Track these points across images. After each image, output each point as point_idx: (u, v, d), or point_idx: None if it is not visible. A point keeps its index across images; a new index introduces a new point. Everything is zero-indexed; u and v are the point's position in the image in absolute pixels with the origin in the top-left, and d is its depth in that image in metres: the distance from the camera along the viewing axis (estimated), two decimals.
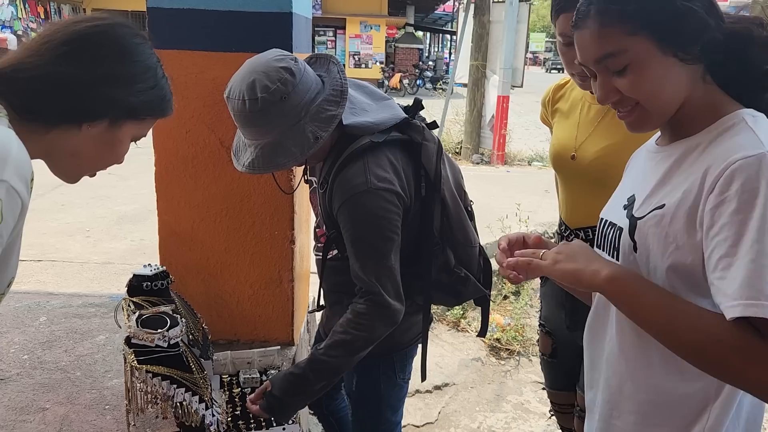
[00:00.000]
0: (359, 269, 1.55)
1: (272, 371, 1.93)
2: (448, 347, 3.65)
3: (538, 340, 2.04)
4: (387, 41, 24.71)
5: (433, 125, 1.72)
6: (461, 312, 3.90)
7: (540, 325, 1.99)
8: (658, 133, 1.08)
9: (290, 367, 1.71)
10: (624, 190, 1.11)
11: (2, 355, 2.21)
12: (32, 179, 0.85)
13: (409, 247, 1.65)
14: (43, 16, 19.38)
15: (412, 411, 3.02)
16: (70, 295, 2.75)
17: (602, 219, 1.14)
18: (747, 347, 0.81)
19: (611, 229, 1.08)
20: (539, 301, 2.03)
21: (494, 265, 1.52)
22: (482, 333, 1.99)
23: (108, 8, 21.46)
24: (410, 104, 1.71)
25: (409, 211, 1.60)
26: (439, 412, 3.06)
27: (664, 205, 0.95)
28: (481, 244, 1.84)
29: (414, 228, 1.64)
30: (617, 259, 1.05)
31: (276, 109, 1.43)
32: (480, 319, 1.98)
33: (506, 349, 3.62)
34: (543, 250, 1.00)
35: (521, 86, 9.02)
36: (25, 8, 18.52)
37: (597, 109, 1.65)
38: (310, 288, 2.46)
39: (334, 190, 1.55)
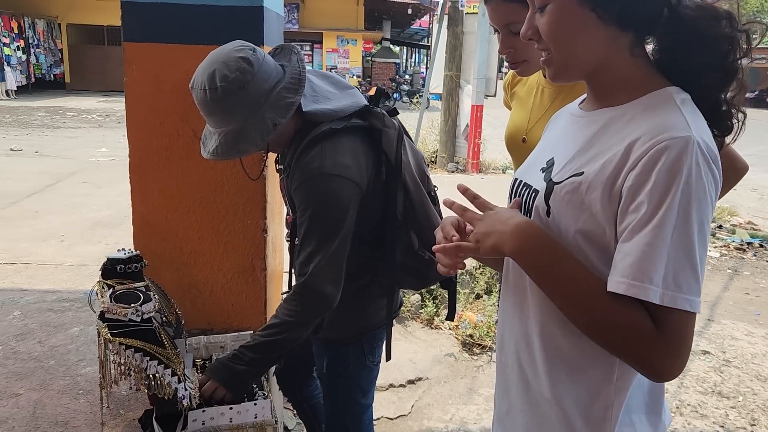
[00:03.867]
0: (301, 251, 1.61)
1: None
2: (422, 344, 3.71)
3: (496, 321, 2.11)
4: (364, 55, 24.92)
5: (394, 112, 1.80)
6: (435, 309, 3.97)
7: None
8: (583, 96, 1.09)
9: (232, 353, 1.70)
10: (543, 152, 1.10)
11: None
12: None
13: (374, 231, 1.72)
14: (17, 31, 19.20)
15: (386, 404, 3.06)
16: (44, 292, 2.77)
17: (517, 179, 1.13)
18: (643, 331, 0.85)
19: (526, 190, 1.07)
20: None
21: None
22: (450, 316, 2.05)
23: (82, 23, 21.35)
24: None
25: (367, 195, 1.66)
26: (413, 406, 3.10)
27: (583, 172, 0.94)
28: None
29: (377, 212, 1.71)
30: None
31: (236, 98, 1.49)
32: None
33: (478, 344, 3.69)
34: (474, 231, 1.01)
35: (494, 95, 9.19)
36: None
37: (549, 93, 1.74)
38: (283, 285, 2.49)
39: (294, 174, 1.62)
